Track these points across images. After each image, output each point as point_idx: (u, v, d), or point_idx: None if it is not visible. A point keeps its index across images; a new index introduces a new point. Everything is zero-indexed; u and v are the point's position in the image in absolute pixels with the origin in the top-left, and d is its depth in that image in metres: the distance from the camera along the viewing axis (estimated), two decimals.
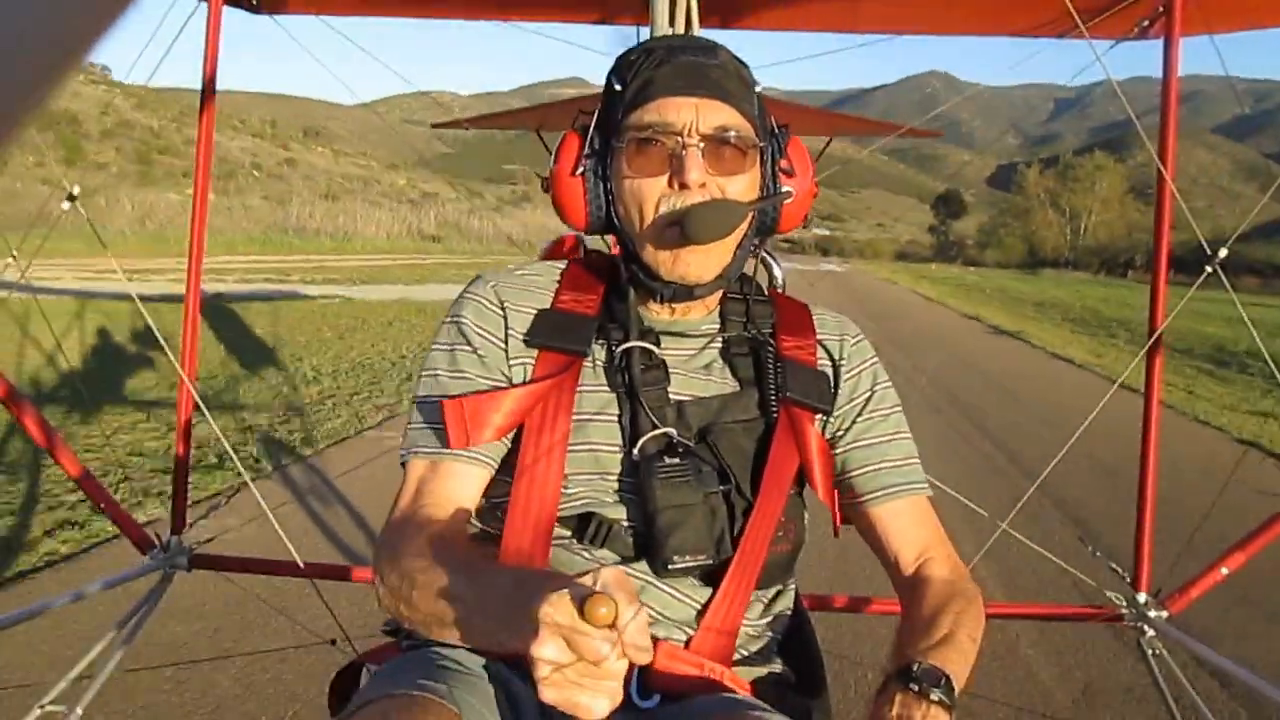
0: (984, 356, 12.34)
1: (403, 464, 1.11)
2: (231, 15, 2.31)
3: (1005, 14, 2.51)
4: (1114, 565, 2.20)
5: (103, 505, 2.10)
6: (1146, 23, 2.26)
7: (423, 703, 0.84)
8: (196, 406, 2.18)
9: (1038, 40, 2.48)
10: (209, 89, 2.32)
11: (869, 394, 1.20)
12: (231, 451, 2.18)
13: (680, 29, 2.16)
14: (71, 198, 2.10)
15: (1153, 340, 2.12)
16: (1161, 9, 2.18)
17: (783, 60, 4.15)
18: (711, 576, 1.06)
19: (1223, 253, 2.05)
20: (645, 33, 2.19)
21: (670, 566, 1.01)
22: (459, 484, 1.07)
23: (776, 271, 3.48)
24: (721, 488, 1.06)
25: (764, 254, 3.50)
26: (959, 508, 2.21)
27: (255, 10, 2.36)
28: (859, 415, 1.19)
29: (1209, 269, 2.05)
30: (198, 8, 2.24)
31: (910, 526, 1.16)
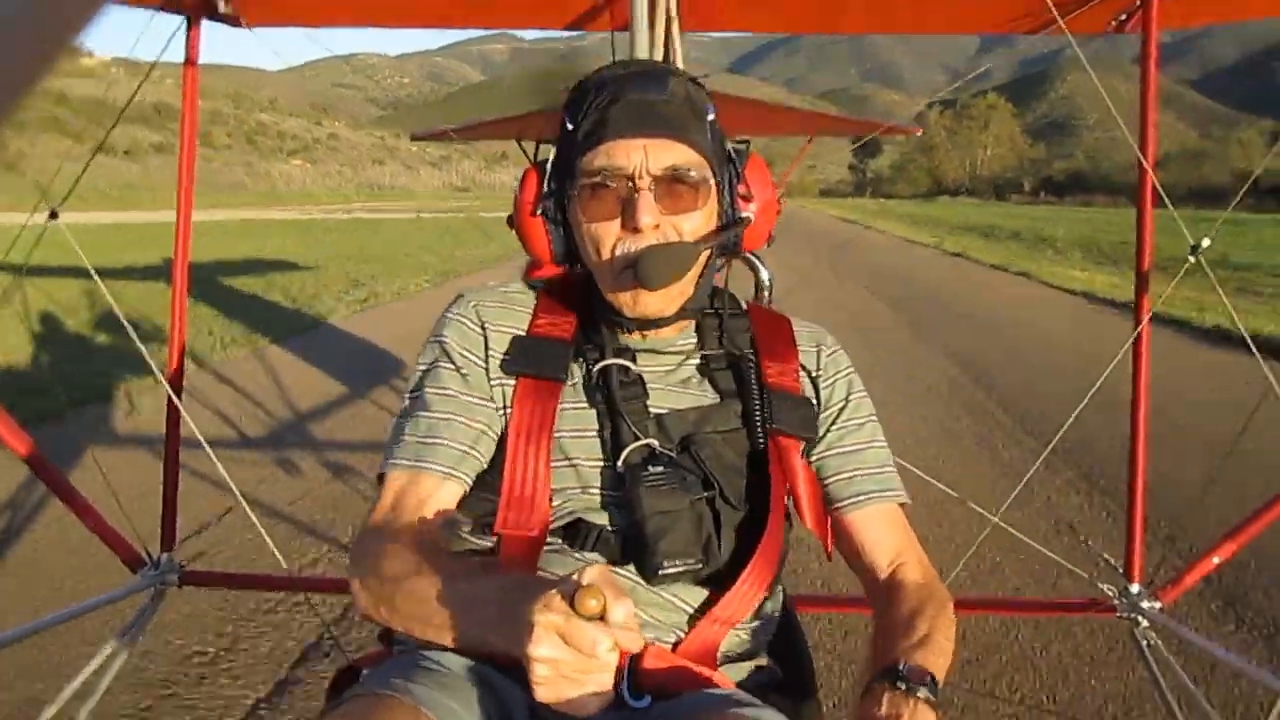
0: (836, 227, 30.40)
1: (380, 476, 1.12)
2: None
3: (983, 10, 2.52)
4: (1106, 556, 2.21)
5: (91, 524, 2.08)
6: (1124, 17, 2.27)
7: (392, 702, 0.85)
8: (184, 420, 2.17)
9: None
10: (190, 103, 2.32)
11: (844, 403, 1.22)
12: (221, 468, 2.16)
13: (660, 33, 2.16)
14: (54, 215, 2.09)
15: (1136, 333, 2.13)
16: (1139, 3, 2.19)
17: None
18: (702, 581, 1.07)
19: (1206, 242, 2.06)
20: (623, 38, 2.19)
21: (661, 573, 1.02)
22: (437, 497, 1.08)
23: (764, 275, 3.50)
24: (706, 494, 1.08)
25: (751, 259, 3.52)
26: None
27: (236, 24, 2.36)
28: (834, 423, 1.21)
29: (1190, 259, 2.06)
30: (181, 23, 2.24)
31: (884, 533, 1.17)
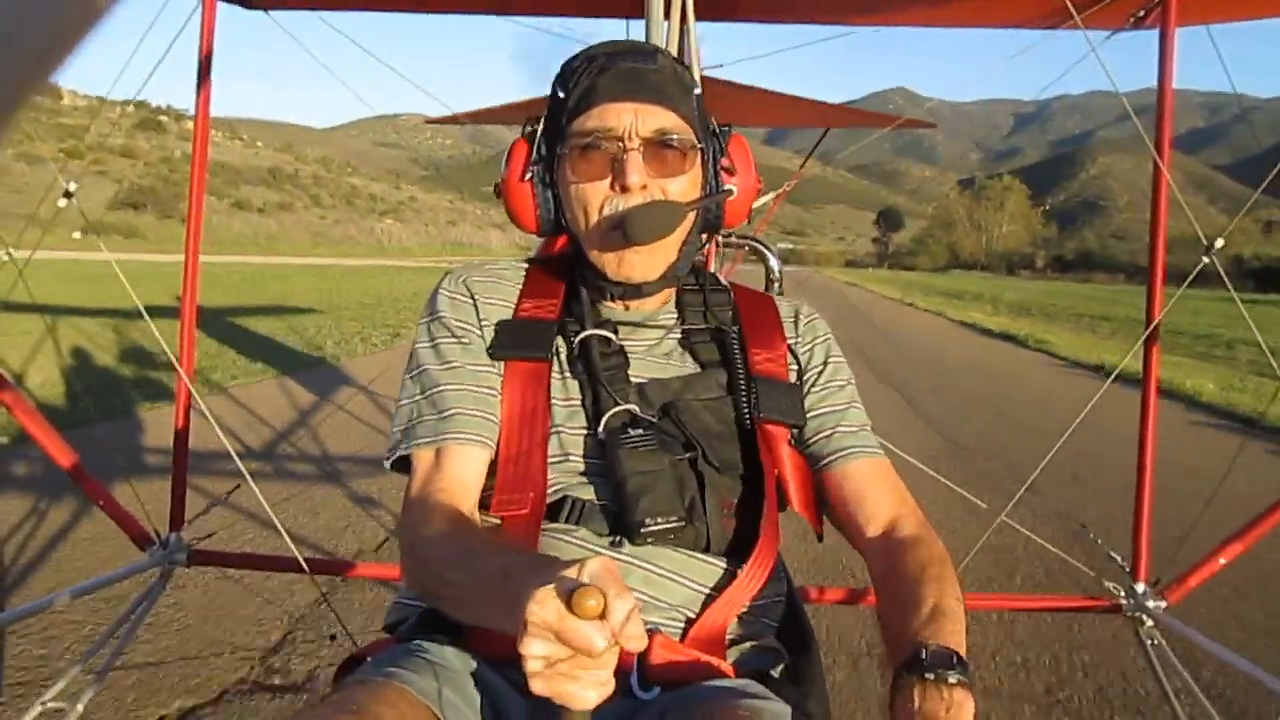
0: (838, 287, 41.15)
1: (403, 459, 1.12)
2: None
3: (999, 6, 2.50)
4: (1113, 554, 2.20)
5: (101, 502, 2.09)
6: (1142, 14, 2.25)
7: (387, 687, 0.86)
8: (194, 404, 2.18)
9: (1008, 47, 2.51)
10: (204, 88, 2.32)
11: (822, 367, 1.24)
12: (230, 448, 2.17)
13: (675, 22, 2.16)
14: (68, 194, 2.10)
15: (1148, 332, 2.12)
16: (1156, 0, 2.17)
17: (745, 57, 4.07)
18: (705, 560, 1.07)
19: (1219, 243, 2.05)
20: (640, 26, 2.19)
21: (643, 530, 1.02)
22: (464, 466, 1.09)
23: (774, 263, 3.49)
24: (687, 455, 1.09)
25: (760, 247, 3.51)
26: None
27: (248, 5, 2.35)
28: (813, 387, 1.23)
29: (1205, 260, 2.05)
30: (197, 7, 2.24)
31: (869, 486, 1.16)
